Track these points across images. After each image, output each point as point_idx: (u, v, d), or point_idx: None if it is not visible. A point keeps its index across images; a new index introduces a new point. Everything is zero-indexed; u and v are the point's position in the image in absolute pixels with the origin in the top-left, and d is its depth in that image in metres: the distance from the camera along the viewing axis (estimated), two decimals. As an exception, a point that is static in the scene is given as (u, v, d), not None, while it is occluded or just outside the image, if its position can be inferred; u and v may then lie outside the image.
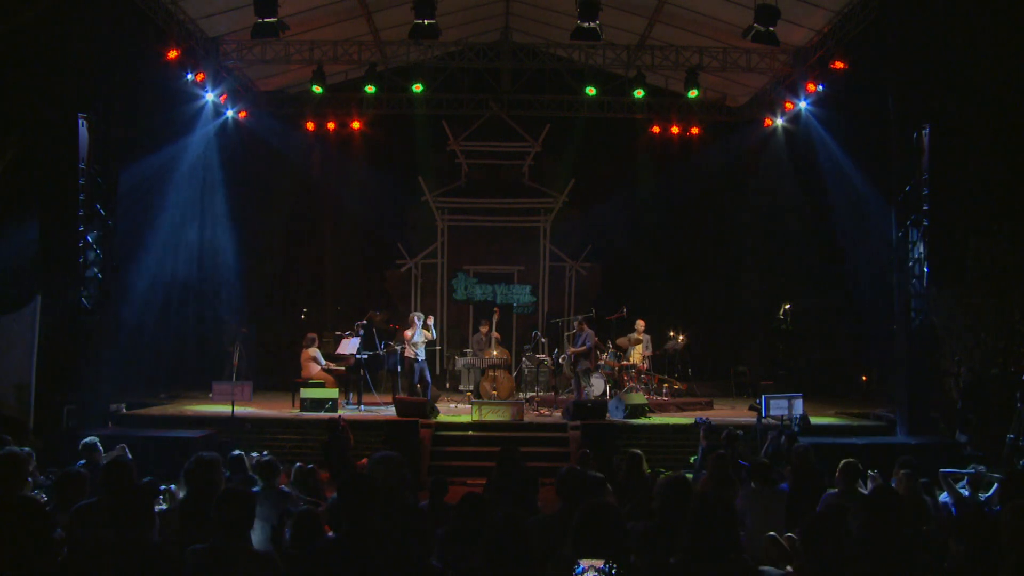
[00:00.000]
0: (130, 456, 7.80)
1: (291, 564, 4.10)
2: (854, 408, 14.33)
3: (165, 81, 13.56)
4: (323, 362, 13.61)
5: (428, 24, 12.41)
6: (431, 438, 11.84)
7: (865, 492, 6.41)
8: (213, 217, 17.45)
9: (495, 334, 14.83)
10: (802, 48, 14.51)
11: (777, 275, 18.04)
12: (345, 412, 12.50)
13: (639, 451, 7.87)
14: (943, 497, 6.57)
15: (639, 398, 13.41)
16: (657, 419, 12.92)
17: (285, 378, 14.75)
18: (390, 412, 12.67)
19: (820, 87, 14.17)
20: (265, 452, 8.74)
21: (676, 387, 15.27)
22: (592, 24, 12.32)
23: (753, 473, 6.78)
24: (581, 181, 17.83)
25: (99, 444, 7.57)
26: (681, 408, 14.01)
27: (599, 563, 3.27)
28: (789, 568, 4.56)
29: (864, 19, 12.75)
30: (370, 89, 15.15)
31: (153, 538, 3.93)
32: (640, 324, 15.08)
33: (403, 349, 13.58)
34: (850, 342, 17.89)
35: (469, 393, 15.26)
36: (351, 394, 13.66)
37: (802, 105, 15.05)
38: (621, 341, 14.97)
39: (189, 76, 13.70)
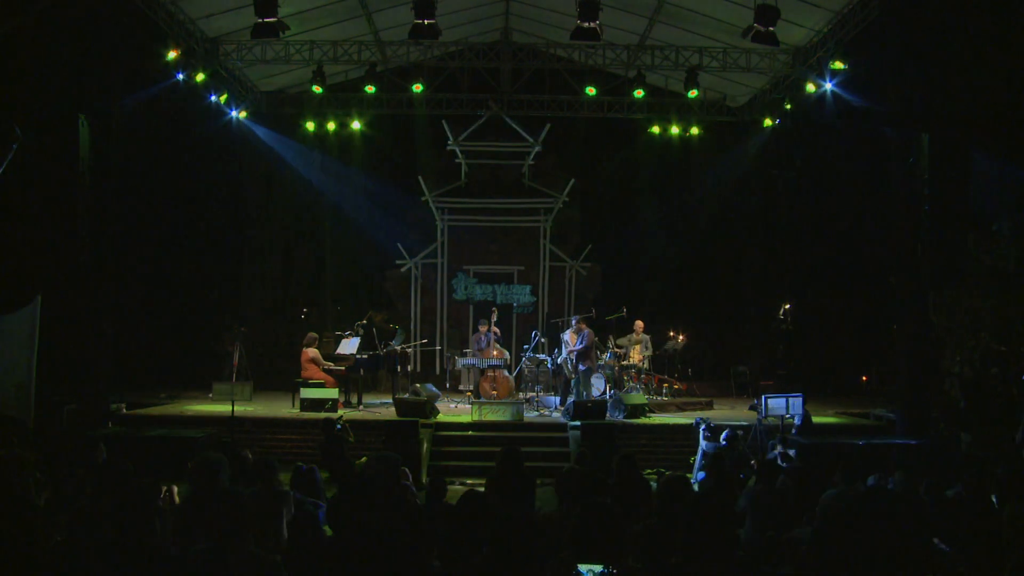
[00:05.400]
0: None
1: (291, 564, 4.10)
2: (854, 408, 14.33)
3: (165, 81, 13.55)
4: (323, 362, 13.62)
5: (428, 24, 12.40)
6: (431, 438, 11.85)
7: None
8: (214, 217, 17.47)
9: (495, 330, 14.85)
10: (802, 48, 14.51)
11: (777, 275, 18.05)
12: (345, 412, 12.49)
13: (631, 451, 7.87)
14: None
15: (639, 398, 13.40)
16: (657, 419, 12.91)
17: (285, 378, 14.75)
18: (390, 412, 12.68)
19: (826, 84, 14.09)
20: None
21: (676, 387, 15.27)
22: (592, 24, 12.32)
23: (755, 472, 6.78)
24: (581, 181, 17.83)
25: (101, 443, 7.58)
26: (681, 408, 14.00)
27: (598, 568, 3.27)
28: (790, 568, 4.56)
29: (864, 19, 12.74)
30: (370, 89, 15.14)
31: (153, 538, 3.93)
32: (639, 325, 15.08)
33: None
34: (850, 342, 17.91)
35: (469, 393, 15.25)
36: (351, 394, 13.65)
37: (800, 106, 15.04)
38: (621, 341, 14.98)
39: (181, 76, 13.67)
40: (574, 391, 13.73)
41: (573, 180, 17.67)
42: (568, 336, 13.97)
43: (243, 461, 7.32)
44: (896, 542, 4.25)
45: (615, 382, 14.44)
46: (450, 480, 9.70)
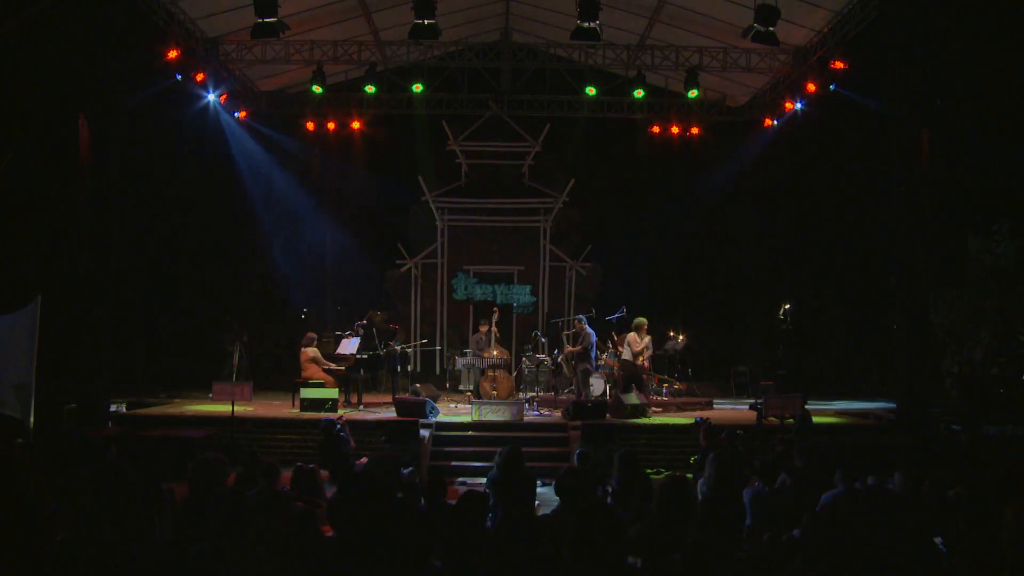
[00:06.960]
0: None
1: (291, 564, 4.10)
2: (854, 408, 14.33)
3: (165, 81, 13.55)
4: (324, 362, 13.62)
5: (428, 24, 12.41)
6: (431, 438, 11.84)
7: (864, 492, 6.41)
8: (214, 217, 17.47)
9: (495, 331, 14.83)
10: (802, 48, 14.50)
11: (777, 275, 18.04)
12: (345, 412, 12.48)
13: (632, 450, 7.86)
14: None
15: (639, 398, 13.39)
16: (657, 419, 12.91)
17: (285, 378, 14.73)
18: (390, 412, 12.68)
19: (829, 86, 14.07)
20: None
21: (676, 387, 15.26)
22: (592, 24, 12.32)
23: (757, 472, 6.78)
24: (581, 181, 17.82)
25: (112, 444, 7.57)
26: (681, 408, 14.00)
27: None
28: (790, 568, 4.56)
29: (864, 19, 12.75)
30: (370, 89, 15.16)
31: (153, 538, 3.93)
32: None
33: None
34: (850, 342, 17.91)
35: (469, 393, 15.24)
36: (351, 394, 13.65)
37: (801, 105, 15.04)
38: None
39: (179, 77, 13.68)
40: (576, 391, 13.73)
41: (573, 180, 17.66)
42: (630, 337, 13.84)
43: (254, 462, 7.29)
44: (896, 542, 4.25)
45: (615, 382, 14.42)
46: (450, 480, 9.71)
